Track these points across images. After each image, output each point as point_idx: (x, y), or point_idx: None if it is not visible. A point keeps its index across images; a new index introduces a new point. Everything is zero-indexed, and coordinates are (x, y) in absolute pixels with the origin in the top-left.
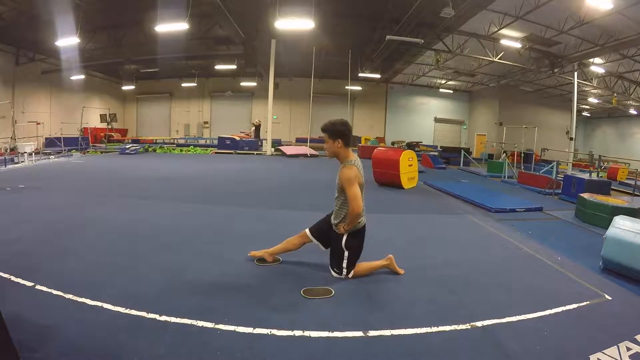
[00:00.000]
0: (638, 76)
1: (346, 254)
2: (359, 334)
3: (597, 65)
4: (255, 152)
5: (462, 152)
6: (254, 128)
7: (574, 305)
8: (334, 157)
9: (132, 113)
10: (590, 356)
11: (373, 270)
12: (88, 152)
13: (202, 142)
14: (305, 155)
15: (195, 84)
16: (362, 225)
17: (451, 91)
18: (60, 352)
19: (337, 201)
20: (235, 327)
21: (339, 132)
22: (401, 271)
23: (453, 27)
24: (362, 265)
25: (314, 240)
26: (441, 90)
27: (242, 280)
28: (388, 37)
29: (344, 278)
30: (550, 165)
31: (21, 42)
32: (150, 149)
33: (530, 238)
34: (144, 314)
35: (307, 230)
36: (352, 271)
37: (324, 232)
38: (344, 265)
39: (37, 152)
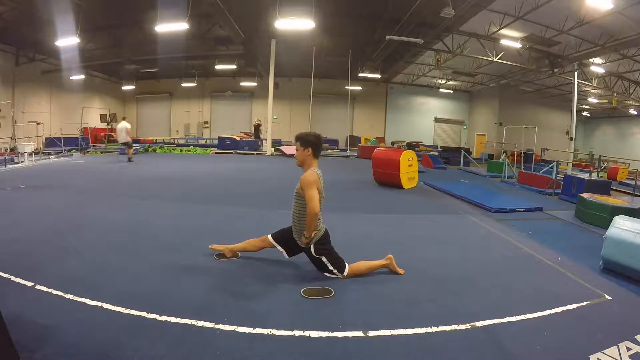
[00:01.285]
0: (638, 76)
1: (324, 259)
2: (359, 334)
3: (597, 65)
4: (255, 152)
5: (462, 152)
6: (254, 128)
7: (574, 305)
8: (301, 165)
9: (132, 113)
10: (590, 356)
11: (372, 270)
12: (88, 152)
13: (202, 142)
14: None
15: (195, 84)
16: (324, 232)
17: (451, 91)
18: (60, 352)
19: (294, 208)
20: (235, 327)
21: (310, 142)
22: (401, 271)
23: (453, 27)
24: (362, 265)
25: (277, 246)
26: (441, 90)
27: (242, 280)
28: (388, 37)
29: (341, 278)
30: (550, 165)
31: (21, 42)
32: (150, 149)
33: (530, 238)
34: (144, 314)
35: (269, 236)
36: (347, 269)
37: (288, 239)
38: (331, 268)
39: (37, 152)
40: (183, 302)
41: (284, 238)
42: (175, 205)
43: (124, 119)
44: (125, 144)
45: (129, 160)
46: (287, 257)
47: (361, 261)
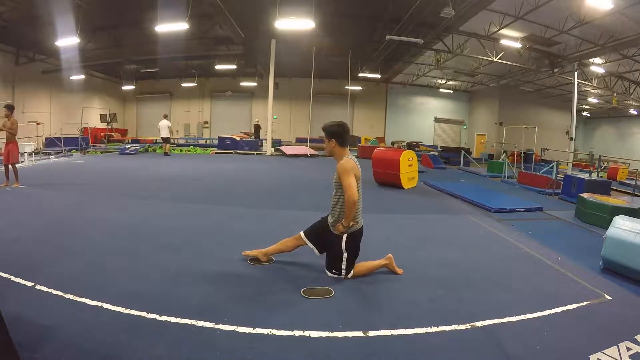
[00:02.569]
0: (638, 76)
1: (345, 255)
2: (359, 334)
3: (597, 65)
4: (255, 152)
5: (462, 152)
6: (255, 128)
7: (574, 305)
8: (332, 156)
9: (132, 113)
10: (590, 356)
11: (372, 270)
12: (88, 152)
13: (202, 142)
14: (305, 155)
15: (195, 84)
16: (360, 227)
17: (451, 91)
18: (60, 352)
19: (334, 198)
20: (235, 327)
21: (334, 132)
22: (400, 271)
23: (453, 27)
24: (362, 266)
25: (309, 244)
26: (441, 90)
27: (242, 280)
28: (388, 37)
29: (343, 278)
30: (550, 165)
31: (21, 42)
32: (150, 149)
33: (530, 238)
34: (144, 314)
35: (302, 233)
36: (352, 271)
37: (319, 235)
38: (343, 266)
39: (37, 152)
40: (183, 302)
41: (315, 234)
42: (175, 205)
43: (165, 116)
44: (165, 139)
45: (166, 154)
46: (318, 254)
47: (362, 262)
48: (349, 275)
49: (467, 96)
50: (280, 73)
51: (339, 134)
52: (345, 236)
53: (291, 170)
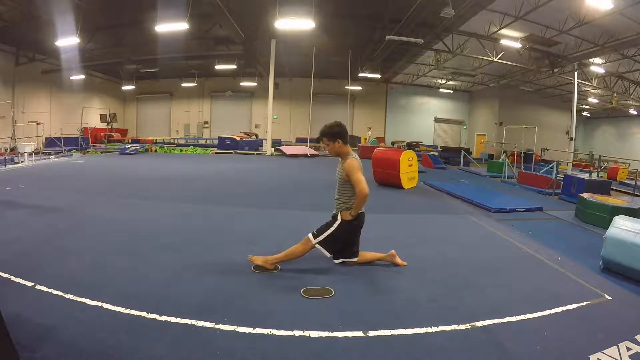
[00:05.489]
0: (638, 76)
1: (336, 225)
2: (359, 334)
3: (597, 65)
4: (255, 152)
5: (462, 152)
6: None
7: (574, 305)
8: (337, 156)
9: (132, 113)
10: (590, 356)
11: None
12: (88, 152)
13: (202, 142)
14: (305, 155)
15: (195, 84)
16: (362, 217)
17: (451, 91)
18: (60, 352)
19: (339, 193)
20: (235, 327)
21: (337, 133)
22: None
23: (453, 27)
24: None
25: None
26: (441, 90)
27: (242, 280)
28: (388, 37)
29: (310, 245)
30: (550, 165)
31: (21, 42)
32: (150, 149)
33: (530, 238)
34: (144, 314)
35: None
36: (323, 247)
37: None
38: (325, 235)
39: (37, 152)
40: (183, 302)
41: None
42: (175, 205)
43: None
44: None
45: None
46: (328, 255)
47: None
48: (314, 242)
49: (467, 96)
50: (280, 73)
51: (341, 134)
52: (342, 217)
53: (291, 170)
